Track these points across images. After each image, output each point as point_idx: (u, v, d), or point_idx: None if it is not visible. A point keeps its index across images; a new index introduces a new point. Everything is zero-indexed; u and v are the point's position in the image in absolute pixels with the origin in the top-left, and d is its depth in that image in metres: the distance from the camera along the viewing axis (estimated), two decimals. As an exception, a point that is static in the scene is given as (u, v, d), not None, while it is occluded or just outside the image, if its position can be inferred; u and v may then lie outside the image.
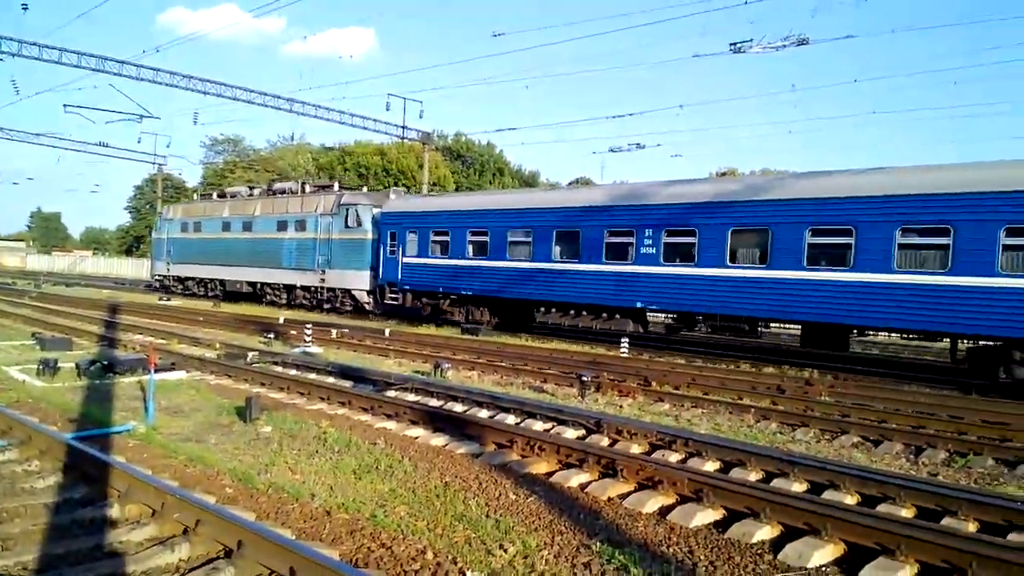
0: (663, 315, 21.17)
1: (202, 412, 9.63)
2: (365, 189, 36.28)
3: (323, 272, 29.51)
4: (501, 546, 5.24)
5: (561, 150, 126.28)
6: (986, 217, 14.06)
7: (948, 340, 16.78)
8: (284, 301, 31.92)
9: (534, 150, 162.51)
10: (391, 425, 9.08)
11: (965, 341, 16.12)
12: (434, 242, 24.90)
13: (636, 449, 8.17)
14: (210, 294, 36.72)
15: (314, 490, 6.36)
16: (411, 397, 10.75)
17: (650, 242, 19.14)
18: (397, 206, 27.30)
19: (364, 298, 28.25)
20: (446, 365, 13.57)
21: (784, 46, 20.17)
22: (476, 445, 8.12)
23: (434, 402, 10.44)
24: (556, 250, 21.26)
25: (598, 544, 5.31)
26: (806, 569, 5.03)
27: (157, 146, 55.68)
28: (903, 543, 5.01)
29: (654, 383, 13.05)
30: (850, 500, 6.48)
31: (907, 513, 6.14)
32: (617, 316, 20.51)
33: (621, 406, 11.39)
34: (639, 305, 19.47)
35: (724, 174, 43.17)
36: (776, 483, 6.95)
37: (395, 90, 40.09)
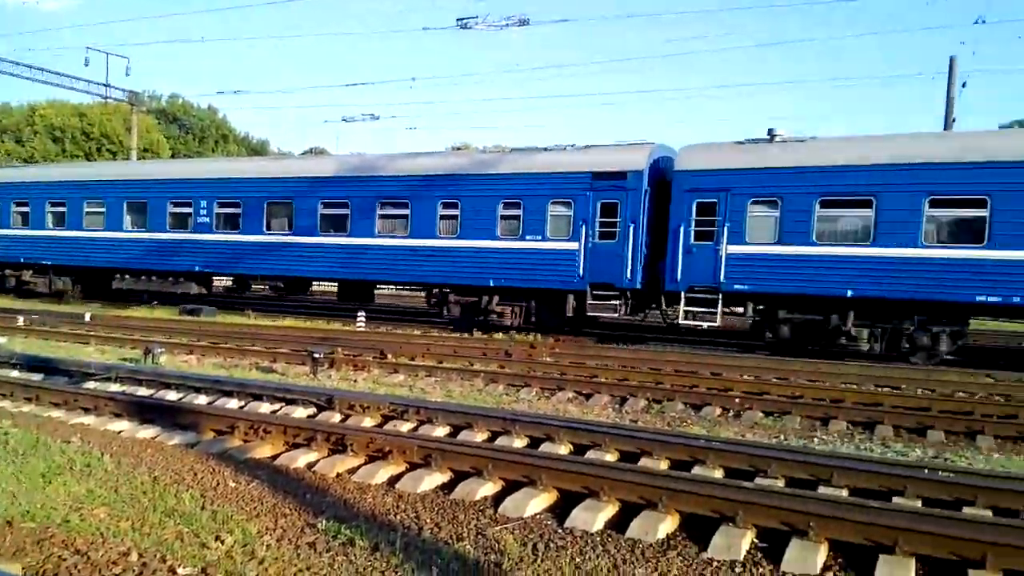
0: (225, 278, 23.86)
1: None
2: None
3: None
4: (217, 537, 4.89)
5: (295, 118, 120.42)
6: (487, 194, 17.89)
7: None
8: None
9: (266, 117, 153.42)
10: (89, 420, 8.08)
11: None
12: (15, 213, 24.81)
13: (369, 422, 8.12)
14: None
15: (-12, 502, 5.45)
16: (115, 387, 9.64)
17: (205, 212, 20.86)
18: None
19: None
20: (159, 350, 12.38)
21: (507, 25, 21.09)
22: (192, 434, 7.51)
23: (143, 391, 9.47)
24: (127, 220, 22.47)
25: (324, 522, 5.18)
26: (523, 518, 5.34)
27: None
28: (606, 485, 5.52)
29: (390, 355, 13.09)
30: (563, 450, 7.03)
31: (611, 458, 6.80)
32: (182, 279, 22.03)
33: (356, 380, 11.27)
34: (197, 269, 21.32)
35: (459, 148, 44.51)
36: (500, 441, 7.32)
37: (99, 44, 35.16)
